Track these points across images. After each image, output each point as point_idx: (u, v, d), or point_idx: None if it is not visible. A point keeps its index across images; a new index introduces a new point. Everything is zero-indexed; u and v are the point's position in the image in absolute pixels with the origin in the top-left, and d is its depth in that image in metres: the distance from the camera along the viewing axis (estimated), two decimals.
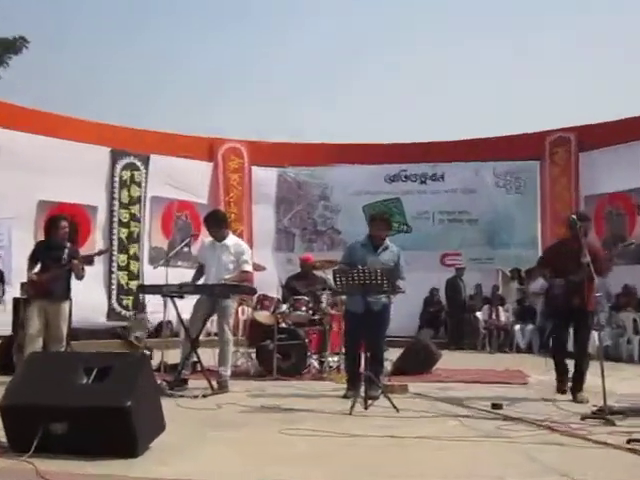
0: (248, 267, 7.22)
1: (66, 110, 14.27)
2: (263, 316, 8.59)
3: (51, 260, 7.00)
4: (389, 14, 29.86)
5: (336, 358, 8.42)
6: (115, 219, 13.53)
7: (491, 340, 13.32)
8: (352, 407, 5.42)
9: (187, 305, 7.14)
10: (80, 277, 7.04)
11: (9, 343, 8.09)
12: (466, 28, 28.00)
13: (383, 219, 6.74)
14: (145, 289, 9.04)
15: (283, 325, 8.49)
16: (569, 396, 6.33)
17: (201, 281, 7.19)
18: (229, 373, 7.02)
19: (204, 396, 6.30)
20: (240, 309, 10.07)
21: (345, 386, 6.58)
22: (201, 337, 7.14)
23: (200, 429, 4.77)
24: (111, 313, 13.28)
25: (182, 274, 8.24)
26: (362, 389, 5.75)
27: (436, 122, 24.44)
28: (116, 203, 13.58)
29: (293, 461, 3.90)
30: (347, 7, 29.94)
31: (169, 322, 9.99)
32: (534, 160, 14.60)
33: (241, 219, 14.94)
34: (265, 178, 15.41)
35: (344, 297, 7.25)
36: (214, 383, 6.69)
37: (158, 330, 11.52)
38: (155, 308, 11.90)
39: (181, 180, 14.31)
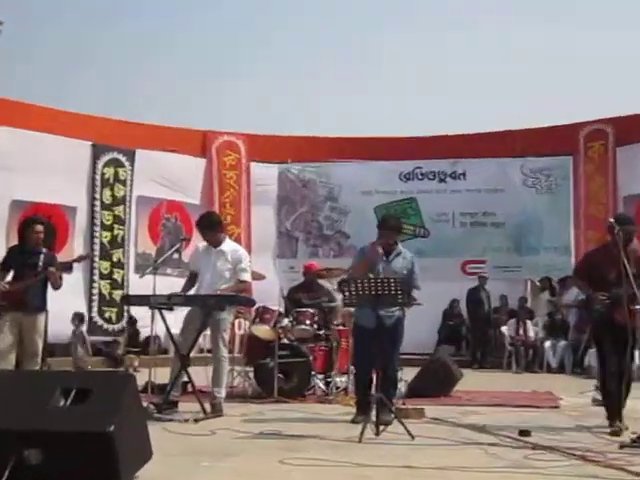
0: (246, 276, 7.23)
1: (41, 100, 14.36)
2: (262, 331, 8.61)
3: (25, 267, 7.02)
4: None
5: (344, 378, 8.43)
6: (97, 221, 13.52)
7: (518, 358, 13.26)
8: (362, 434, 5.42)
9: (177, 318, 7.15)
10: (57, 286, 7.06)
11: None
12: (492, 8, 27.94)
13: (389, 227, 6.61)
14: (130, 300, 9.04)
15: (285, 341, 8.50)
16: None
17: (193, 291, 7.20)
18: (224, 394, 7.01)
19: (196, 420, 6.31)
20: (237, 323, 10.04)
21: (354, 410, 6.58)
22: (193, 354, 7.14)
23: (191, 457, 4.78)
24: (92, 326, 13.29)
25: (172, 283, 8.24)
26: (373, 413, 5.75)
27: (457, 113, 24.34)
28: (98, 204, 13.57)
29: None
30: None
31: (157, 337, 9.98)
32: (566, 155, 14.59)
33: (238, 222, 14.96)
34: (265, 176, 15.41)
35: (352, 309, 7.25)
36: (207, 406, 6.69)
37: (145, 346, 11.54)
38: (142, 322, 11.93)
39: (170, 178, 14.32)
